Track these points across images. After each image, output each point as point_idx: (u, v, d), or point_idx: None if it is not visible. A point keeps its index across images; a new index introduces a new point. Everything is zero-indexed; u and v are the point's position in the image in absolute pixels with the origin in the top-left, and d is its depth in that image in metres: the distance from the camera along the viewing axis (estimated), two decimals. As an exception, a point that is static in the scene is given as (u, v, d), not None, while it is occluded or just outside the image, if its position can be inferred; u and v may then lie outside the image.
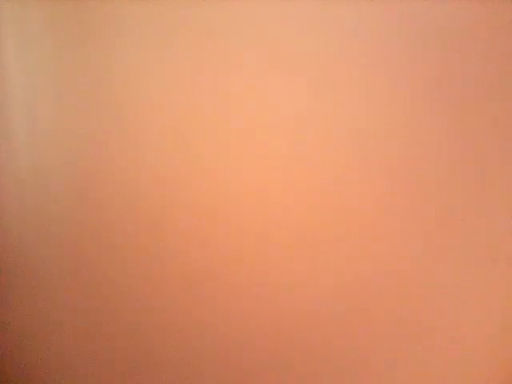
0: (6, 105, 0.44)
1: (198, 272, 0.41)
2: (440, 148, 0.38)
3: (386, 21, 0.37)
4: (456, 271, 0.38)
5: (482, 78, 0.37)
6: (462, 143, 0.37)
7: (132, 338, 0.43)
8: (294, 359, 0.41)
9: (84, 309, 0.44)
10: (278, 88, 0.39)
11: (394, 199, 0.38)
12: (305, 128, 0.39)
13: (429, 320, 0.39)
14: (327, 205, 0.39)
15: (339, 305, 0.40)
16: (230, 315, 0.41)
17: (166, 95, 0.41)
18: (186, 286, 0.42)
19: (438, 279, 0.39)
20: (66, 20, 0.42)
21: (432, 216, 0.38)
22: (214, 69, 0.40)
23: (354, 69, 0.38)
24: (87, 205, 0.43)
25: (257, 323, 0.41)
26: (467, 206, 0.38)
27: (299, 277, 0.40)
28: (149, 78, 0.41)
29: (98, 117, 0.42)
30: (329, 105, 0.38)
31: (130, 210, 0.42)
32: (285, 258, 0.40)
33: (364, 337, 0.40)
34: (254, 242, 0.40)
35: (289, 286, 0.40)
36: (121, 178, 0.42)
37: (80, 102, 0.42)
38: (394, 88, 0.37)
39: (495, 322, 0.38)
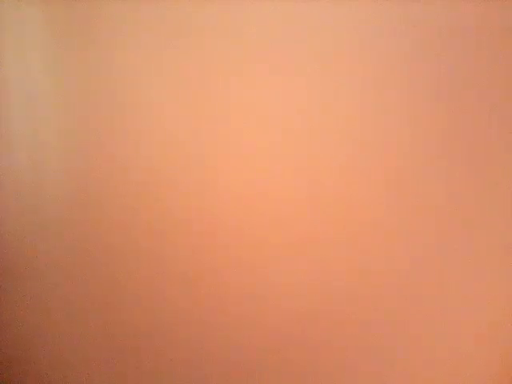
0: (5, 105, 0.44)
1: (198, 272, 0.41)
2: (441, 148, 0.38)
3: (386, 22, 0.37)
4: (457, 271, 0.38)
5: (483, 77, 0.37)
6: (463, 144, 0.37)
7: (132, 338, 0.43)
8: (294, 359, 0.41)
9: (84, 309, 0.44)
10: (278, 88, 0.39)
11: (395, 200, 0.38)
12: (305, 128, 0.39)
13: (429, 320, 0.39)
14: (327, 205, 0.39)
15: (339, 305, 0.40)
16: (230, 315, 0.41)
17: (165, 95, 0.41)
18: (186, 286, 0.42)
19: (439, 280, 0.39)
20: (66, 20, 0.42)
21: (433, 216, 0.38)
22: (214, 69, 0.40)
23: (353, 69, 0.38)
24: (87, 205, 0.43)
25: (257, 323, 0.41)
26: (468, 206, 0.38)
27: (299, 277, 0.40)
28: (149, 78, 0.41)
29: (98, 117, 0.42)
30: (329, 105, 0.38)
31: (129, 210, 0.42)
32: (285, 258, 0.40)
33: (364, 337, 0.40)
34: (254, 243, 0.40)
35: (289, 286, 0.40)
36: (121, 179, 0.42)
37: (80, 102, 0.42)
38: (394, 88, 0.37)
39: (496, 321, 0.38)
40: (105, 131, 0.42)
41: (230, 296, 0.41)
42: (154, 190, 0.41)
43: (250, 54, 0.39)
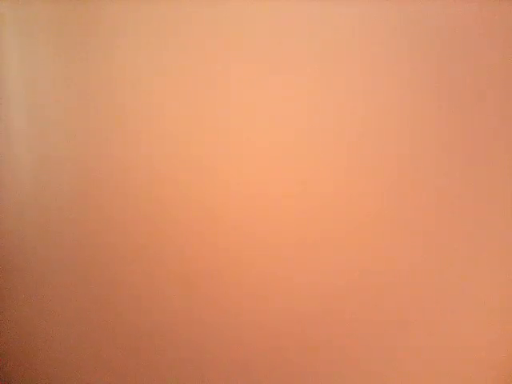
0: (6, 104, 0.44)
1: (198, 272, 0.41)
2: (440, 148, 0.38)
3: (386, 21, 0.37)
4: (457, 271, 0.38)
5: (483, 77, 0.37)
6: (463, 144, 0.37)
7: (132, 338, 0.43)
8: (294, 359, 0.41)
9: (84, 308, 0.44)
10: (278, 88, 0.39)
11: (395, 200, 0.38)
12: (305, 128, 0.39)
13: (429, 320, 0.39)
14: (328, 206, 0.39)
15: (339, 305, 0.40)
16: (230, 315, 0.41)
17: (166, 95, 0.41)
18: (186, 286, 0.42)
19: (439, 280, 0.39)
20: (67, 20, 0.42)
21: (433, 216, 0.38)
22: (215, 69, 0.40)
23: (353, 69, 0.38)
24: (87, 205, 0.43)
25: (257, 323, 0.41)
26: (468, 206, 0.38)
27: (299, 277, 0.40)
28: (149, 78, 0.41)
29: (99, 116, 0.42)
30: (329, 105, 0.38)
31: (130, 209, 0.42)
32: (285, 258, 0.40)
33: (364, 336, 0.40)
34: (254, 243, 0.40)
35: (289, 286, 0.40)
36: (121, 178, 0.42)
37: (80, 101, 0.42)
38: (394, 88, 0.37)
39: (496, 321, 0.38)
40: (106, 131, 0.42)
41: (229, 296, 0.41)
42: (154, 190, 0.41)
43: (250, 53, 0.39)
